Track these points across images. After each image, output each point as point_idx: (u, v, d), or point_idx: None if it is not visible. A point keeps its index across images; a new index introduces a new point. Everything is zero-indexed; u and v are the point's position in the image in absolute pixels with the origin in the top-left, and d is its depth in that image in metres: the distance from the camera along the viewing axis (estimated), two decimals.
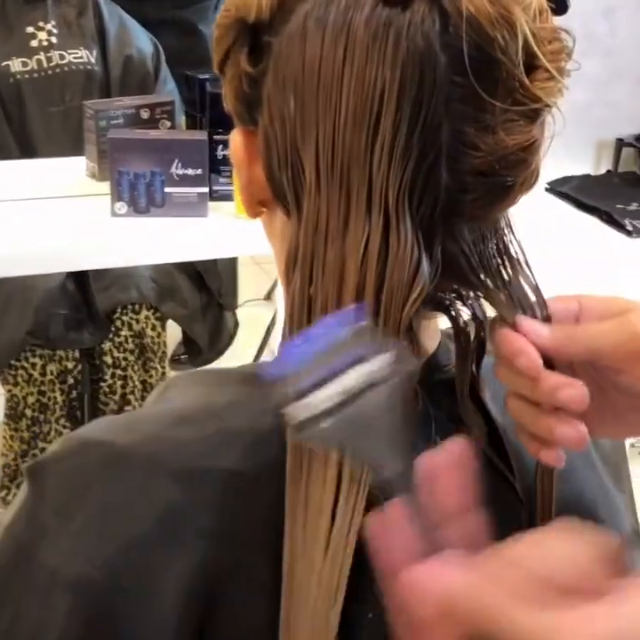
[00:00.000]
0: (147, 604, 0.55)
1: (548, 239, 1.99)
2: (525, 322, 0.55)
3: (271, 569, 0.55)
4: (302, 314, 0.55)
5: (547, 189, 2.26)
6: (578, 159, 2.31)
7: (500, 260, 0.58)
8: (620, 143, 2.32)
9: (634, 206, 2.19)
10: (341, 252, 0.53)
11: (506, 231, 0.59)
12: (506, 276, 0.58)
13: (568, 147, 2.35)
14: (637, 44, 2.22)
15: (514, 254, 0.58)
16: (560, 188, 2.25)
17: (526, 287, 0.57)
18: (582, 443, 0.53)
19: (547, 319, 0.56)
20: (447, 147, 0.52)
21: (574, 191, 2.22)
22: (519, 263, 0.58)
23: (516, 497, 0.62)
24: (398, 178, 0.52)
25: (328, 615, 0.52)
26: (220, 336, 2.57)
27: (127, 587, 0.55)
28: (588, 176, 2.37)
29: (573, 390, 0.52)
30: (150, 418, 0.63)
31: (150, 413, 0.66)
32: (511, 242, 0.59)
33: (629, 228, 2.07)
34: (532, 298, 0.57)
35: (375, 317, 0.53)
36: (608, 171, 2.39)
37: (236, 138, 0.60)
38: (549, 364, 0.54)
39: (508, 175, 0.54)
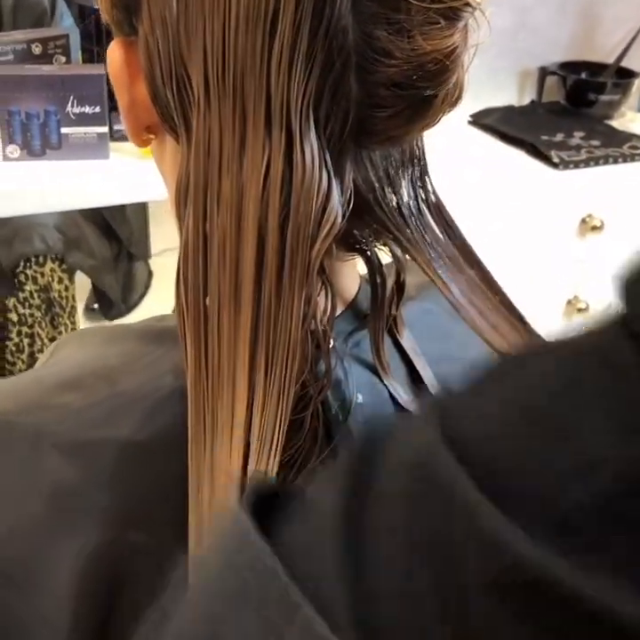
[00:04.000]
0: (36, 594, 0.48)
1: (472, 173, 1.94)
2: None
3: (183, 550, 0.48)
4: (197, 255, 0.47)
5: (470, 122, 2.17)
6: (501, 89, 2.23)
7: (414, 194, 0.53)
8: (544, 72, 2.24)
9: (559, 137, 2.13)
10: (239, 180, 0.45)
11: (419, 161, 0.53)
12: (419, 212, 0.53)
13: (491, 76, 2.29)
14: None
15: (429, 189, 0.54)
16: (483, 121, 2.17)
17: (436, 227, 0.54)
18: None
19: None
20: (356, 53, 0.44)
21: (498, 123, 2.15)
22: (433, 198, 0.54)
23: None
24: (301, 89, 0.44)
25: None
26: (133, 287, 2.46)
27: (13, 575, 0.48)
28: (511, 107, 2.31)
29: None
30: (34, 383, 0.56)
31: (34, 377, 0.58)
32: (426, 173, 0.54)
33: (556, 159, 2.00)
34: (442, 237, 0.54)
35: (281, 259, 0.45)
36: (532, 101, 2.32)
37: (114, 52, 0.50)
38: None
39: (428, 87, 0.46)
